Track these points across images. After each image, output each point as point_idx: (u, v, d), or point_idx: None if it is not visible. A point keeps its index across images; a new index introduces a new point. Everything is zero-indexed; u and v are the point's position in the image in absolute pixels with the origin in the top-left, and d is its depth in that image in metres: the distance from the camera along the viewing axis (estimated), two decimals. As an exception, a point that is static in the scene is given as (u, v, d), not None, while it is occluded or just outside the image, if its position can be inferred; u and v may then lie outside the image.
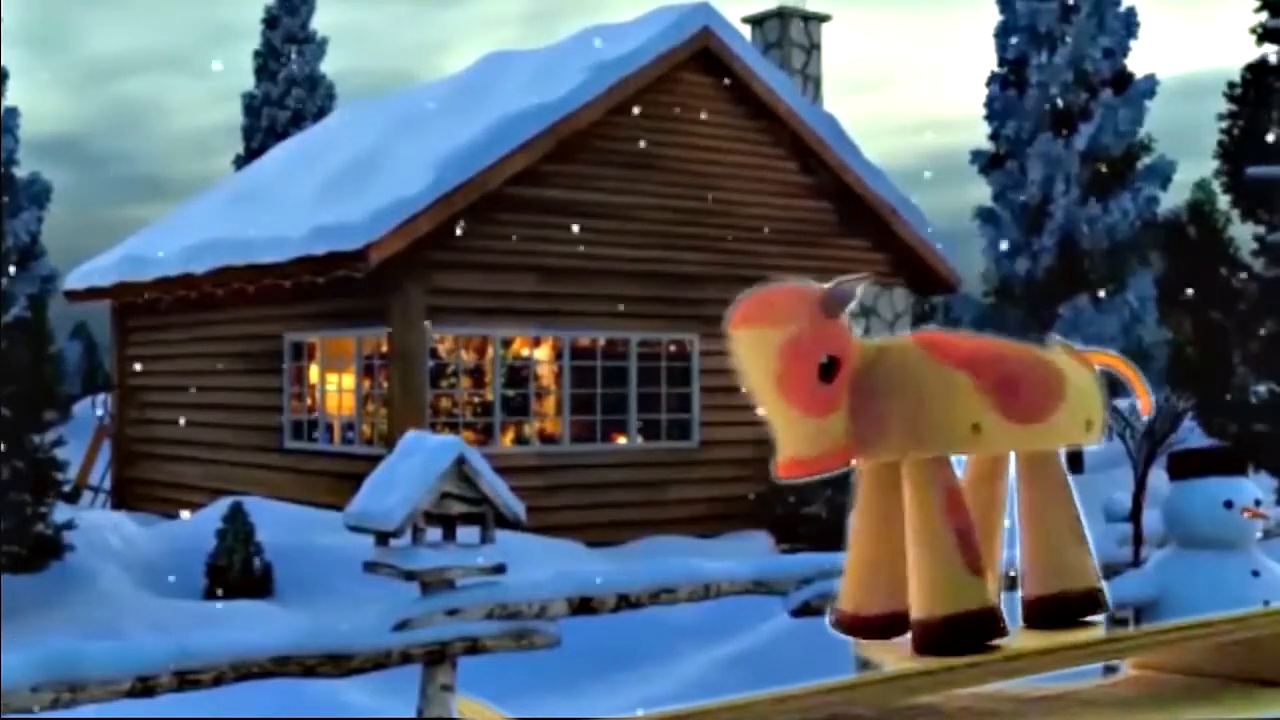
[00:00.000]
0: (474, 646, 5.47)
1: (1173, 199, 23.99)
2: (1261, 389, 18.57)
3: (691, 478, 15.73)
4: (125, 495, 19.40)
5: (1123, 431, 7.37)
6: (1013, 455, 2.79)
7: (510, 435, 15.21)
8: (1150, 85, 23.16)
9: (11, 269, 14.62)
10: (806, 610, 6.18)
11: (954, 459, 2.65)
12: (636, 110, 15.49)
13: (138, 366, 19.40)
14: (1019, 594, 2.80)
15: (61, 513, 11.55)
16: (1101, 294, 22.92)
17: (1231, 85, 19.99)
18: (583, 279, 15.14)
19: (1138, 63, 43.25)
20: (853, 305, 2.52)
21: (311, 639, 5.14)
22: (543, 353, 15.49)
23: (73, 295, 19.86)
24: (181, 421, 17.84)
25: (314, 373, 15.97)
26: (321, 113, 30.78)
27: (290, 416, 16.18)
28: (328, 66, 33.64)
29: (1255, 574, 6.38)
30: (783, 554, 12.30)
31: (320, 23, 39.54)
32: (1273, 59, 19.45)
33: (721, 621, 9.25)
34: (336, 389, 15.72)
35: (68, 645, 4.89)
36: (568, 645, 5.82)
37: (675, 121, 15.96)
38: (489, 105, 15.65)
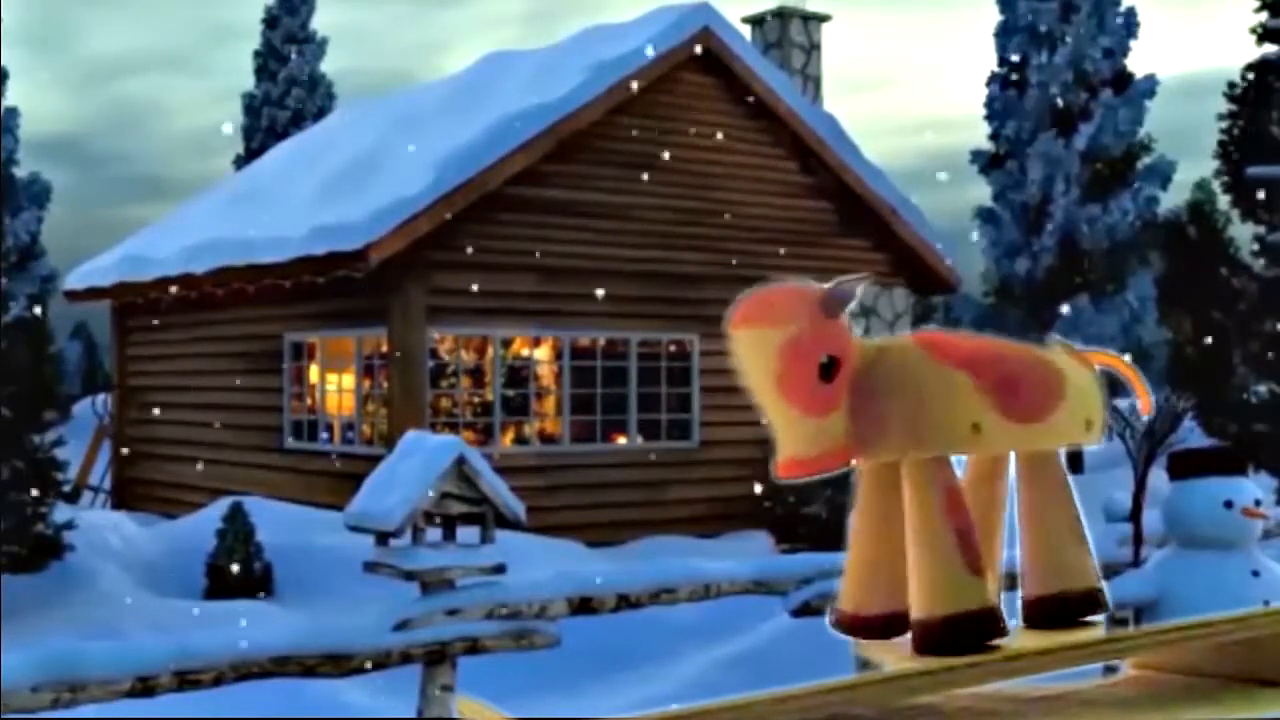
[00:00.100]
0: (474, 646, 5.47)
1: (1173, 199, 24.05)
2: (1261, 389, 18.54)
3: (691, 478, 15.73)
4: (125, 495, 19.41)
5: (1123, 431, 7.38)
6: (1013, 455, 2.79)
7: (510, 435, 15.21)
8: (1150, 85, 23.13)
9: (11, 269, 14.60)
10: (806, 610, 6.18)
11: (954, 459, 2.65)
12: (636, 110, 15.49)
13: (138, 367, 19.41)
14: (1019, 594, 2.80)
15: (61, 513, 11.52)
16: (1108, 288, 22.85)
17: (1231, 85, 20.00)
18: (583, 279, 15.14)
19: (1138, 63, 43.37)
20: (853, 305, 2.51)
21: (311, 639, 5.14)
22: (543, 353, 15.49)
23: (73, 295, 19.86)
24: (182, 420, 17.86)
25: (314, 373, 15.97)
26: (321, 113, 30.74)
27: (290, 416, 16.18)
28: (328, 66, 33.59)
29: (1255, 574, 6.38)
30: (783, 554, 12.30)
31: (320, 23, 39.53)
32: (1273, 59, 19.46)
33: (721, 621, 9.25)
34: (336, 389, 15.73)
35: (68, 645, 4.90)
36: (568, 645, 5.82)
37: (675, 121, 15.95)
38: (489, 105, 15.65)
